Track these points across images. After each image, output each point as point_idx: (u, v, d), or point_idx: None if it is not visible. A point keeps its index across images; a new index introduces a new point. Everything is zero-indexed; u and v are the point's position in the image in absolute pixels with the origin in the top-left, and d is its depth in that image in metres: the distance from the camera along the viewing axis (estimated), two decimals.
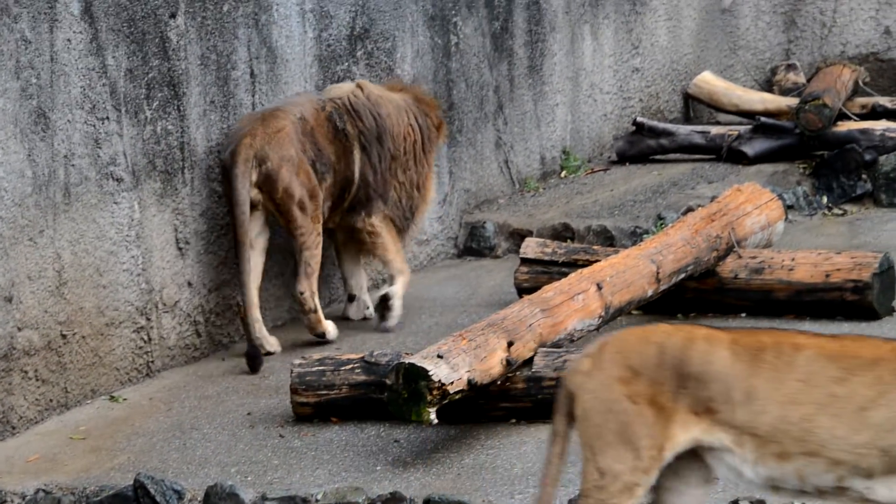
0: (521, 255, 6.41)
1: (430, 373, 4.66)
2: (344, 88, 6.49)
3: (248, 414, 5.40)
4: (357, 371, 5.21)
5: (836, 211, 7.89)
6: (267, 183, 6.05)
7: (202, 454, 5.05)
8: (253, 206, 6.03)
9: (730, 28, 9.56)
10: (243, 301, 5.98)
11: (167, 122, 5.92)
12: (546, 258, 6.34)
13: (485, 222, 7.55)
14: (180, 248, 5.99)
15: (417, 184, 6.58)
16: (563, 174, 8.48)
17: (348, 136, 6.35)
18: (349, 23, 6.83)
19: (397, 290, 6.42)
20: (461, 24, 7.62)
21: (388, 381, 4.75)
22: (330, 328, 6.23)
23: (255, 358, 5.92)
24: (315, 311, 6.17)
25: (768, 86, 9.39)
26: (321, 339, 6.19)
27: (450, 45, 7.52)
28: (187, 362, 6.02)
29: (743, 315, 6.17)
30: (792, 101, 8.52)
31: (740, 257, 6.21)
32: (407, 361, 4.73)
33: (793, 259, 6.14)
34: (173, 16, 5.91)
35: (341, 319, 6.48)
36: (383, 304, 6.37)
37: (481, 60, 7.71)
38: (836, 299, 6.04)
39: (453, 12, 7.56)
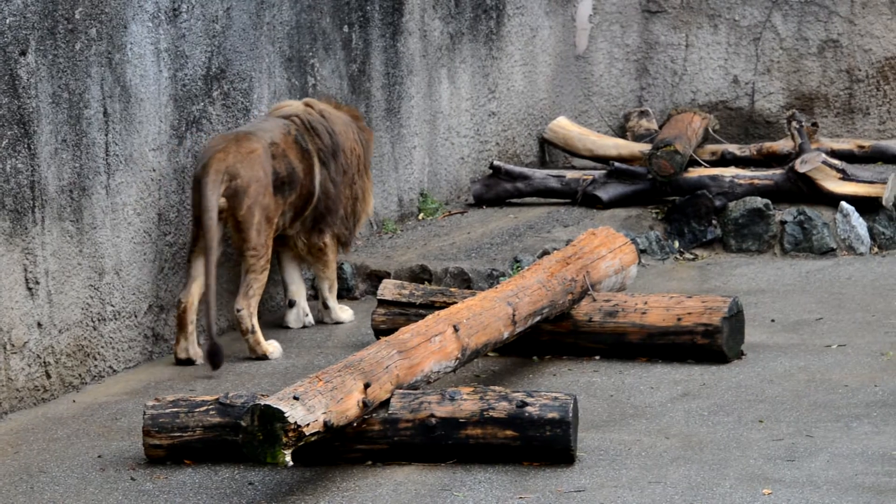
0: (378, 297, 6.40)
1: (286, 414, 4.61)
2: (295, 106, 6.80)
3: (99, 456, 5.29)
4: (212, 413, 5.14)
5: (687, 255, 8.04)
6: (234, 198, 6.32)
7: (50, 497, 4.93)
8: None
9: (584, 74, 9.72)
10: (208, 299, 6.21)
11: (17, 161, 5.79)
12: (404, 300, 6.35)
13: (342, 263, 7.52)
14: (30, 288, 5.85)
15: (361, 197, 6.91)
16: (420, 216, 8.51)
17: (309, 153, 6.64)
18: (205, 63, 6.78)
19: (331, 297, 6.93)
20: (318, 66, 7.62)
21: (244, 423, 4.68)
22: (272, 349, 6.45)
23: (215, 355, 6.15)
24: (253, 332, 6.39)
25: (622, 131, 9.57)
26: (263, 360, 6.39)
27: (307, 86, 7.51)
28: (36, 404, 5.87)
29: (597, 357, 6.24)
30: (645, 147, 8.68)
31: (595, 300, 6.28)
32: (262, 403, 4.68)
33: (645, 303, 6.24)
34: (23, 53, 5.80)
35: (281, 328, 6.77)
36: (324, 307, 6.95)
37: (339, 102, 7.70)
38: (688, 342, 6.14)
39: (311, 54, 7.55)
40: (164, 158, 6.55)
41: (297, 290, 6.91)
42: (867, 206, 8.00)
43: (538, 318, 6.00)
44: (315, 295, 7.13)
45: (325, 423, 4.73)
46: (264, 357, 6.40)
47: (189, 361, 6.35)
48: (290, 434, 4.61)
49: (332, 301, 6.99)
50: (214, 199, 6.28)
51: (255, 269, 6.40)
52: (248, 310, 6.36)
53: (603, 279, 6.47)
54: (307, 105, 6.81)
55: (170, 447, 5.15)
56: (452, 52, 8.67)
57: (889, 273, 7.53)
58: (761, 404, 5.55)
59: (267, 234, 6.42)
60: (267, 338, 6.52)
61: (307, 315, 6.89)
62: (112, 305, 6.27)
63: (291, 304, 6.89)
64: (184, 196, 6.67)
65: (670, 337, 6.16)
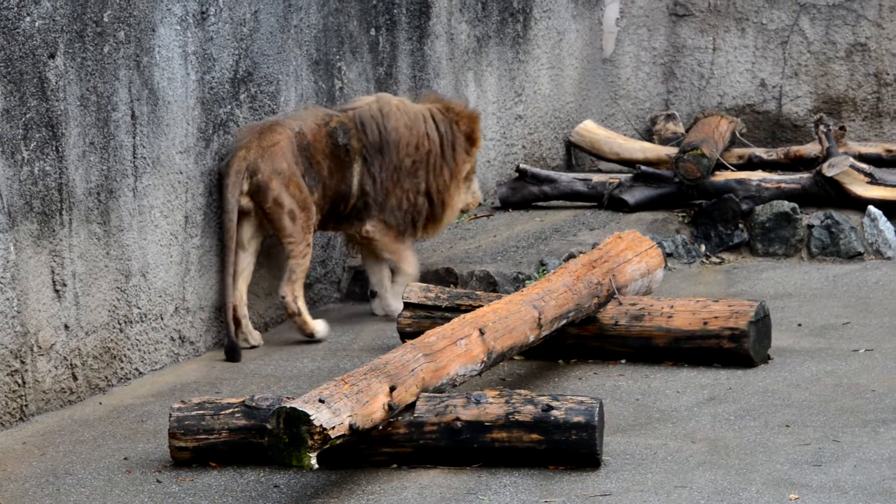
0: (404, 300, 6.40)
1: (312, 417, 4.62)
2: (364, 100, 6.98)
3: (125, 459, 5.31)
4: (237, 415, 5.15)
5: (713, 259, 8.02)
6: (258, 193, 6.54)
7: (76, 500, 4.95)
8: (246, 213, 6.58)
9: (611, 78, 9.71)
10: (226, 298, 6.48)
11: (45, 163, 5.82)
12: (429, 303, 6.35)
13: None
14: (57, 291, 5.88)
15: (428, 190, 6.99)
16: None
17: (349, 151, 6.79)
18: (232, 66, 6.80)
19: (393, 287, 7.04)
20: (345, 69, 7.63)
21: (269, 426, 4.69)
22: (319, 328, 6.73)
23: (233, 350, 6.44)
24: (299, 314, 6.68)
25: (648, 135, 9.55)
26: (311, 339, 6.70)
27: (334, 89, 7.53)
28: (62, 406, 5.90)
29: (623, 361, 6.23)
30: (671, 151, 8.66)
31: (620, 304, 6.27)
32: (288, 406, 4.68)
33: (672, 307, 6.22)
34: (52, 56, 5.83)
35: (369, 315, 7.11)
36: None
37: None
38: (714, 346, 6.12)
39: (337, 57, 7.57)
40: (191, 161, 6.57)
41: (378, 280, 7.10)
42: (895, 211, 7.95)
43: (564, 322, 5.99)
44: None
45: (351, 426, 4.74)
46: (312, 336, 6.72)
47: (253, 347, 6.65)
48: (316, 437, 4.62)
49: (383, 290, 7.09)
50: (234, 200, 6.49)
51: (295, 255, 6.65)
52: (292, 295, 6.66)
53: (629, 283, 6.46)
54: (376, 100, 6.95)
55: (195, 449, 5.16)
56: (479, 56, 8.67)
57: None
58: (788, 409, 5.53)
59: (303, 220, 6.61)
60: (352, 325, 6.81)
61: (389, 305, 7.09)
62: (138, 308, 6.29)
63: (373, 294, 7.15)
64: (210, 199, 6.68)
65: (696, 341, 6.14)
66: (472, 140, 7.09)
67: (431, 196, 7.02)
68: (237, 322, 6.59)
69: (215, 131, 6.71)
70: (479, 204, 7.48)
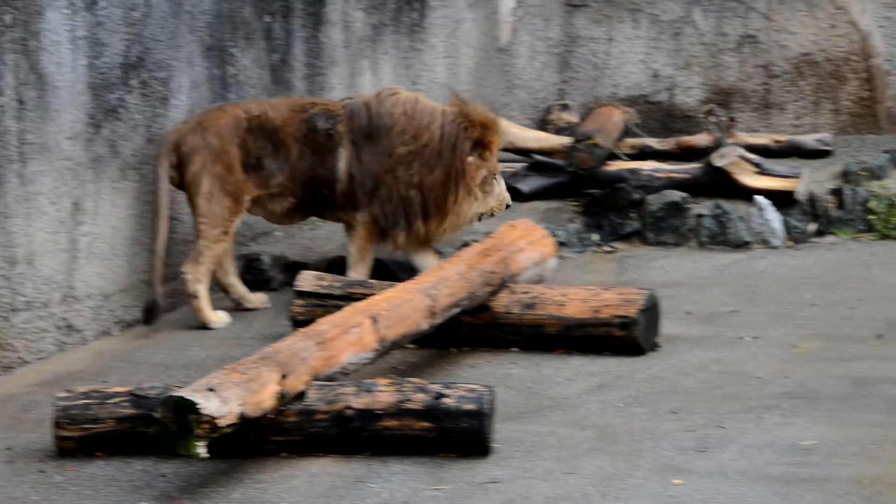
0: (296, 288, 6.38)
1: (200, 406, 4.58)
2: (373, 92, 7.07)
3: (8, 449, 5.22)
4: (124, 404, 5.10)
5: (606, 248, 8.09)
6: (181, 166, 6.66)
7: None
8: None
9: (506, 67, 9.75)
10: (154, 264, 6.58)
11: None
12: (322, 291, 6.33)
13: (261, 255, 7.49)
14: None
15: (421, 186, 6.83)
16: None
17: (332, 136, 6.78)
18: (123, 51, 6.71)
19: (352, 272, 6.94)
20: (240, 56, 7.57)
21: (157, 415, 4.65)
22: (214, 318, 6.70)
23: (151, 312, 6.56)
24: (196, 297, 6.64)
25: (543, 125, 9.60)
26: (205, 327, 6.68)
27: (227, 76, 7.47)
28: None
29: (515, 349, 6.26)
30: (565, 140, 8.72)
31: (513, 292, 6.31)
32: (176, 394, 4.64)
33: (564, 295, 6.27)
34: None
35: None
36: None
37: (260, 92, 7.67)
38: (605, 335, 6.18)
39: (231, 43, 7.50)
40: (79, 147, 6.47)
41: (425, 266, 6.91)
42: (782, 201, 8.09)
43: (457, 310, 6.01)
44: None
45: (240, 415, 4.71)
46: (205, 325, 6.67)
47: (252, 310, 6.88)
48: (205, 426, 4.59)
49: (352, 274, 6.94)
50: (162, 170, 6.61)
51: (206, 237, 6.67)
52: (195, 275, 6.63)
53: (522, 271, 6.49)
54: (384, 90, 6.97)
55: (81, 439, 5.10)
56: (375, 43, 8.66)
57: (802, 266, 7.62)
58: (675, 396, 5.60)
59: (225, 204, 6.63)
60: None
61: None
62: (24, 296, 6.19)
63: None
64: (100, 185, 6.60)
65: (587, 329, 6.20)
66: (484, 145, 6.89)
67: (424, 192, 6.88)
68: (224, 290, 6.87)
69: (105, 117, 6.62)
70: (507, 206, 7.15)
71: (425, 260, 7.08)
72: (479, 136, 6.87)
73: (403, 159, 6.83)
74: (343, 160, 6.80)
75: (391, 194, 6.84)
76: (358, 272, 6.93)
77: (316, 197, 6.87)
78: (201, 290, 6.65)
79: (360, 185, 6.82)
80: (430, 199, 6.88)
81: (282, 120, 6.75)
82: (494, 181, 7.00)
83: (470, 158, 6.87)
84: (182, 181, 6.67)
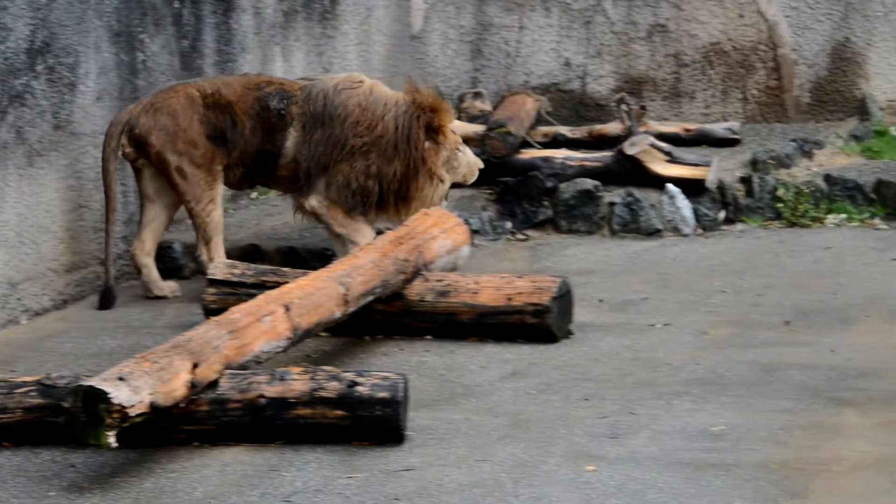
0: (208, 277, 6.33)
1: (111, 395, 4.53)
2: (333, 76, 7.09)
3: None
4: (32, 394, 5.02)
5: (519, 236, 8.13)
6: (139, 147, 6.77)
7: None
8: (141, 168, 6.84)
9: (419, 54, 9.74)
10: (107, 247, 6.74)
11: None
12: (235, 279, 6.29)
13: (172, 243, 7.42)
14: None
15: (380, 176, 6.90)
16: (253, 196, 8.43)
17: (284, 116, 6.87)
18: (28, 36, 6.60)
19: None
20: (148, 42, 7.48)
21: (67, 405, 4.59)
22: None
23: (106, 297, 6.72)
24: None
25: (456, 112, 9.60)
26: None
27: (136, 62, 7.38)
28: None
29: (429, 337, 6.26)
30: (478, 128, 8.74)
31: (427, 280, 6.31)
32: (86, 384, 4.59)
33: (477, 283, 6.28)
34: None
35: None
36: None
37: (169, 79, 7.59)
38: (518, 322, 6.21)
39: (140, 29, 7.41)
40: None
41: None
42: (692, 189, 8.18)
43: (371, 298, 6.00)
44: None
45: (151, 404, 4.67)
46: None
47: (160, 298, 6.95)
48: (115, 415, 4.54)
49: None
50: (110, 151, 6.69)
51: (197, 213, 6.82)
52: (209, 255, 6.81)
53: (436, 259, 6.50)
54: (345, 78, 7.02)
55: None
56: (286, 30, 8.60)
57: (712, 254, 7.71)
58: (588, 383, 5.64)
59: (199, 177, 6.74)
60: None
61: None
62: None
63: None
64: (6, 172, 6.49)
65: (501, 317, 6.22)
66: (436, 129, 6.93)
67: (381, 183, 6.94)
68: (137, 269, 6.91)
69: (11, 103, 6.51)
70: (480, 169, 7.22)
71: (340, 244, 7.10)
72: (428, 120, 6.95)
73: (359, 150, 6.90)
74: (290, 140, 6.90)
75: (349, 182, 6.92)
76: (358, 239, 6.92)
77: (261, 168, 6.99)
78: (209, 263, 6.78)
79: (304, 172, 6.91)
80: (391, 190, 6.96)
81: (235, 96, 6.88)
82: (458, 153, 7.09)
83: (427, 144, 6.94)
84: (149, 161, 6.79)
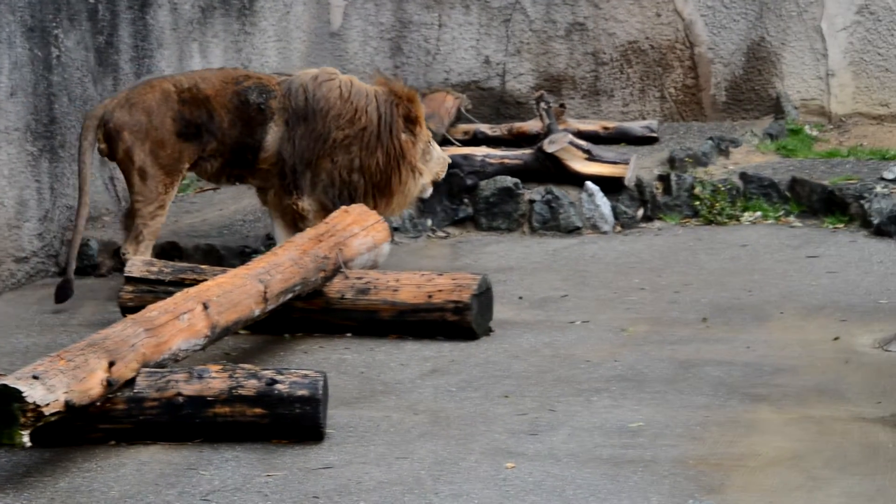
0: (126, 274, 6.27)
1: (25, 394, 4.47)
2: (308, 71, 7.07)
3: None
4: None
5: (439, 233, 8.13)
6: (110, 142, 6.72)
7: None
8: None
9: (339, 52, 9.71)
10: (74, 236, 6.68)
11: None
12: (152, 277, 6.23)
13: (89, 240, 7.34)
14: None
15: (363, 169, 6.90)
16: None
17: (263, 110, 6.87)
18: None
19: None
20: (63, 37, 7.39)
21: None
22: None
23: (64, 289, 6.64)
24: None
25: None
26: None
27: (51, 57, 7.29)
28: None
29: (349, 335, 6.25)
30: None
31: (347, 278, 6.29)
32: (0, 383, 4.52)
33: (397, 280, 6.28)
34: None
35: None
36: None
37: (84, 74, 7.50)
38: (438, 319, 6.21)
39: (54, 24, 7.32)
40: None
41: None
42: (611, 186, 8.23)
43: (290, 296, 5.97)
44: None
45: (67, 403, 4.62)
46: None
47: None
48: (29, 414, 4.48)
49: None
50: (86, 144, 6.64)
51: (142, 215, 6.72)
52: (136, 255, 6.65)
53: (356, 257, 6.48)
54: (321, 72, 6.98)
55: None
56: (204, 26, 8.54)
57: (630, 251, 7.77)
58: (508, 380, 5.66)
59: (159, 180, 6.68)
60: None
61: None
62: None
63: None
64: None
65: (421, 314, 6.22)
66: (412, 120, 7.01)
67: (366, 176, 6.93)
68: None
69: None
70: (450, 165, 7.32)
71: (282, 234, 7.09)
72: (406, 110, 7.00)
73: (341, 143, 6.89)
74: (271, 134, 6.89)
75: (333, 180, 6.91)
76: None
77: (240, 161, 6.95)
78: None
79: (290, 168, 6.88)
80: (375, 183, 6.96)
81: (213, 91, 6.85)
82: (431, 147, 7.14)
83: (403, 136, 6.96)
84: (114, 158, 6.76)
